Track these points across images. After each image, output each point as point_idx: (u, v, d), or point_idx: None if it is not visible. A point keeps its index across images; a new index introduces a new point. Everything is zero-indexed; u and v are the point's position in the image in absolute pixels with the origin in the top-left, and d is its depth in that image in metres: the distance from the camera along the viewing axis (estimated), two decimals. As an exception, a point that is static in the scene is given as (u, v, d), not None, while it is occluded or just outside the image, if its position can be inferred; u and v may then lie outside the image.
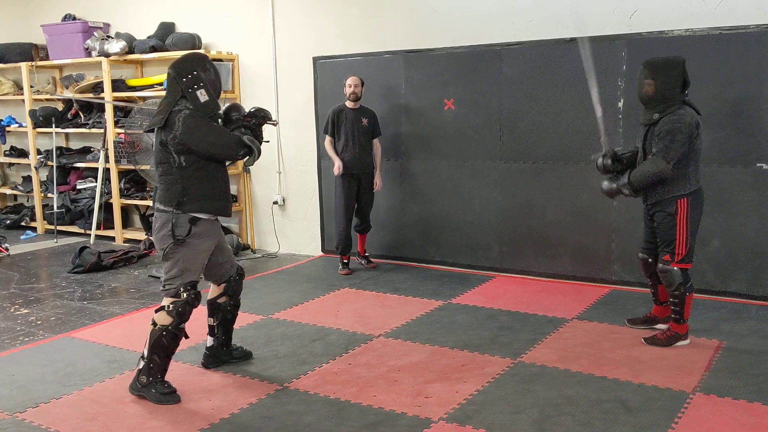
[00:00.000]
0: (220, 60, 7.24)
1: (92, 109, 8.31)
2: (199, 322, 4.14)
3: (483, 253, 6.19)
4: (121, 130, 7.64)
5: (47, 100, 8.57)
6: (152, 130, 3.75)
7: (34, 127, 8.46)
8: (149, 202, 7.72)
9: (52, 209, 8.25)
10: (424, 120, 6.28)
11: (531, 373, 3.94)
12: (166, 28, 7.54)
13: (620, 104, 5.39)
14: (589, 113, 5.52)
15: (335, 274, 6.24)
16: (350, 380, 3.91)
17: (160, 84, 7.50)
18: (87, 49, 7.83)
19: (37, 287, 6.17)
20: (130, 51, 7.61)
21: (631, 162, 4.28)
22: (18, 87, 8.83)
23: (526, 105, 5.80)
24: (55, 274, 6.60)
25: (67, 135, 8.82)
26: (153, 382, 3.70)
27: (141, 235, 7.72)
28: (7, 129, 9.01)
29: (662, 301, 4.57)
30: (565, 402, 3.57)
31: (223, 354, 4.16)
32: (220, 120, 3.89)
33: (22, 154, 8.99)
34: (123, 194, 7.92)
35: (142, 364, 3.72)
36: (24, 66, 8.41)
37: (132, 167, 7.11)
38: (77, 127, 8.25)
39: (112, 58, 7.61)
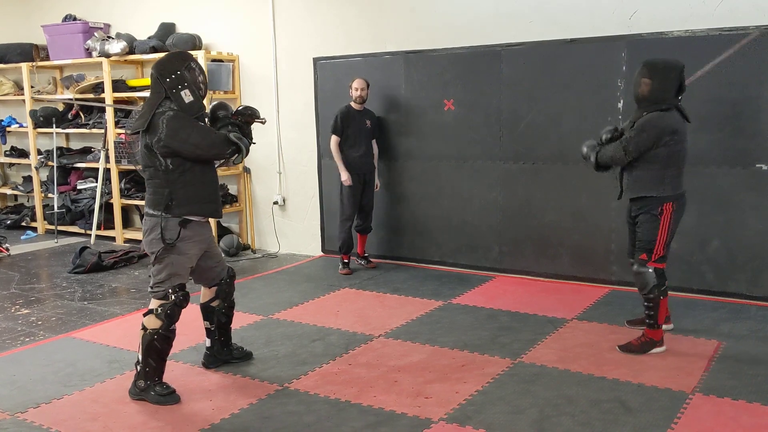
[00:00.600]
0: (221, 60, 7.24)
1: (93, 110, 8.31)
2: (199, 322, 4.15)
3: (483, 254, 6.20)
4: (122, 131, 7.66)
5: (48, 101, 8.57)
6: (137, 134, 3.69)
7: (34, 128, 8.47)
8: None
9: (53, 209, 8.25)
10: (424, 120, 6.29)
11: (531, 374, 3.95)
12: (167, 29, 7.54)
13: (620, 105, 5.40)
14: (589, 114, 5.54)
15: (335, 274, 6.24)
16: (350, 380, 3.91)
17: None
18: (87, 49, 7.84)
19: (38, 287, 6.18)
20: (131, 51, 7.62)
21: (615, 138, 4.28)
22: (18, 87, 8.84)
23: (526, 105, 5.80)
24: (56, 274, 6.61)
25: (67, 135, 8.83)
26: (151, 385, 3.69)
27: (141, 236, 7.71)
28: (8, 129, 9.02)
29: None
30: (565, 402, 3.57)
31: (223, 354, 4.16)
32: (206, 120, 3.84)
33: (23, 154, 9.00)
34: (123, 194, 7.92)
35: (138, 369, 3.71)
36: (24, 66, 8.42)
37: (132, 167, 7.12)
38: (78, 128, 8.25)
39: (112, 58, 7.61)
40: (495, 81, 5.90)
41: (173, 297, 3.65)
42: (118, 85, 7.76)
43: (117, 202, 7.91)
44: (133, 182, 8.01)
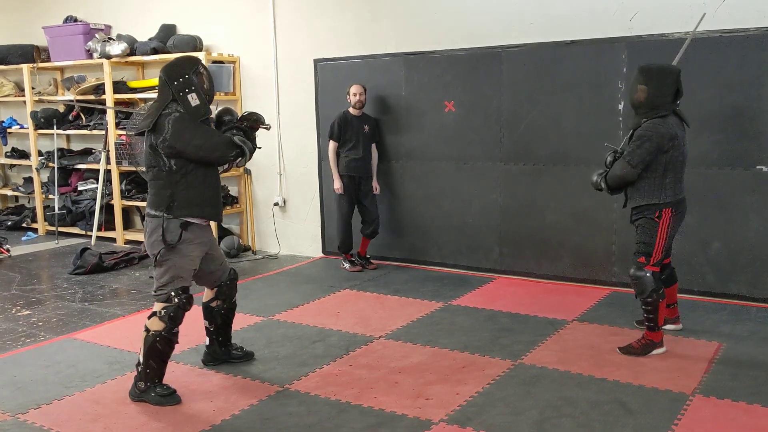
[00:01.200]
0: (222, 62, 7.25)
1: (93, 111, 8.32)
2: (200, 324, 4.15)
3: (483, 255, 6.20)
4: (122, 132, 7.66)
5: (51, 102, 8.58)
6: (142, 134, 3.70)
7: (35, 129, 8.47)
8: (150, 204, 7.72)
9: (53, 210, 8.26)
10: (424, 122, 6.29)
11: (531, 375, 3.95)
12: (168, 30, 7.55)
13: (620, 107, 5.40)
14: (589, 115, 5.55)
15: (336, 276, 6.24)
16: (351, 382, 3.92)
17: (162, 86, 7.51)
18: (88, 50, 7.85)
19: (39, 288, 6.18)
20: (132, 53, 7.62)
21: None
22: (19, 88, 8.85)
23: (527, 107, 5.81)
24: (57, 275, 6.61)
25: (68, 136, 8.83)
26: (151, 387, 3.69)
27: (142, 237, 7.69)
28: (9, 130, 9.03)
29: (668, 303, 4.56)
30: (566, 404, 3.57)
31: (221, 354, 4.17)
32: (212, 124, 3.86)
33: (24, 155, 9.01)
34: (124, 196, 7.93)
35: (138, 370, 3.71)
36: (25, 68, 8.42)
37: (133, 169, 7.12)
38: (78, 129, 8.26)
39: (113, 59, 7.62)
40: (495, 82, 5.90)
41: (176, 300, 3.65)
42: (119, 86, 7.77)
43: (118, 203, 7.91)
44: (133, 183, 8.01)
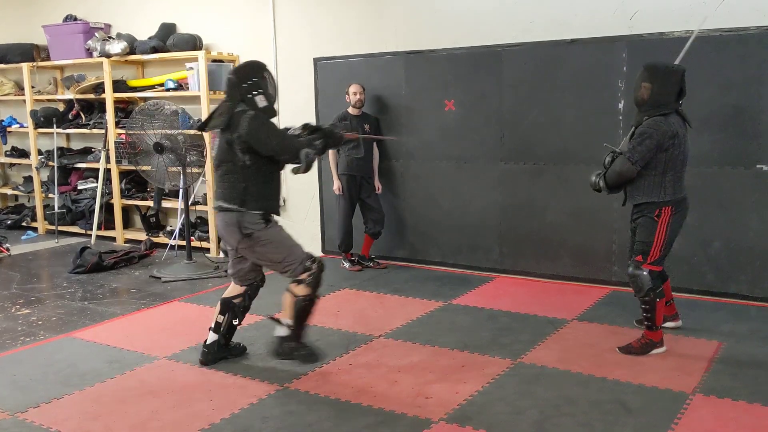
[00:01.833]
0: (221, 61, 7.25)
1: (93, 110, 8.32)
2: (199, 323, 4.15)
3: (483, 254, 6.20)
4: (122, 131, 7.66)
5: (48, 100, 8.59)
6: (203, 129, 4.04)
7: (35, 128, 8.47)
8: (150, 203, 7.73)
9: (53, 210, 8.25)
10: (424, 121, 6.29)
11: (531, 374, 3.95)
12: (167, 29, 7.54)
13: (620, 105, 5.40)
14: (590, 114, 5.55)
15: (336, 275, 6.24)
16: (350, 381, 3.91)
17: (161, 84, 7.52)
18: (88, 49, 7.84)
19: (38, 287, 6.18)
20: (132, 52, 7.62)
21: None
22: (19, 87, 8.84)
23: (527, 106, 5.80)
24: (56, 274, 6.61)
25: (68, 135, 8.82)
26: (299, 346, 4.06)
27: (142, 236, 7.73)
28: (9, 129, 9.02)
29: (665, 300, 4.58)
30: (565, 403, 3.57)
31: (222, 352, 4.20)
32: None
33: (23, 154, 9.00)
34: (124, 195, 7.93)
35: (283, 331, 4.04)
36: (25, 66, 8.42)
37: (133, 168, 7.12)
38: (78, 128, 8.25)
39: (113, 58, 7.61)
40: (496, 81, 5.90)
41: (314, 267, 3.97)
42: (119, 85, 7.76)
43: (117, 202, 7.91)
44: (133, 182, 8.01)
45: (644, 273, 4.13)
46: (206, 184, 7.17)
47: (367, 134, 6.26)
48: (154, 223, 7.93)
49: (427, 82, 6.23)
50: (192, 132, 6.66)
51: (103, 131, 7.87)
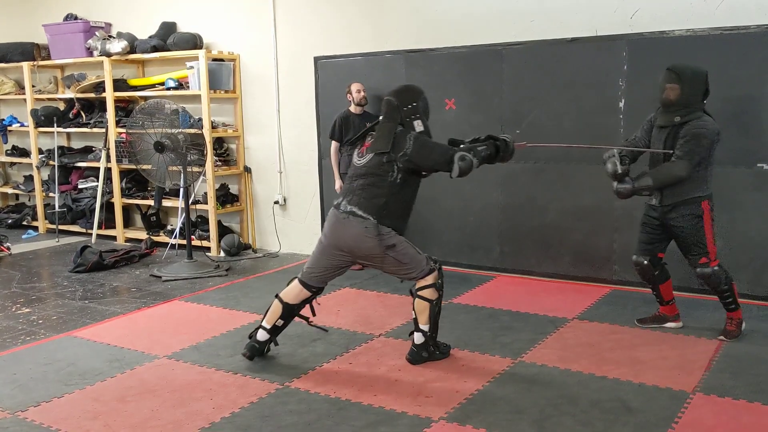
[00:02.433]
0: (222, 60, 7.25)
1: (94, 109, 8.32)
2: (199, 323, 4.15)
3: (484, 253, 6.19)
4: (123, 130, 7.66)
5: (49, 99, 8.59)
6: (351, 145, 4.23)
7: (35, 127, 8.47)
8: (150, 202, 7.73)
9: (54, 208, 8.26)
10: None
11: (531, 373, 3.95)
12: (168, 28, 7.54)
13: (621, 104, 5.39)
14: (590, 113, 5.54)
15: (336, 274, 6.23)
16: (351, 380, 3.91)
17: (162, 84, 7.52)
18: (89, 48, 7.85)
19: (39, 286, 6.18)
20: (132, 51, 7.62)
21: (633, 159, 4.40)
22: (20, 86, 8.85)
23: (528, 105, 5.80)
24: (57, 273, 6.61)
25: (68, 134, 8.82)
26: (436, 348, 4.15)
27: (142, 235, 7.73)
28: (9, 128, 9.03)
29: (667, 300, 4.59)
30: (566, 402, 3.57)
31: (265, 351, 4.26)
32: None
33: (24, 153, 9.00)
34: (124, 194, 7.93)
35: (417, 337, 4.08)
36: (26, 66, 8.42)
37: (133, 167, 7.12)
38: (79, 127, 8.25)
39: (113, 57, 7.62)
40: (496, 80, 5.89)
41: (436, 267, 4.09)
42: (120, 84, 7.76)
43: (118, 201, 7.91)
44: (134, 181, 8.01)
45: (715, 269, 4.30)
46: (206, 183, 7.17)
47: None
48: (155, 222, 7.94)
49: (428, 81, 6.20)
50: (192, 131, 6.66)
51: (103, 130, 7.87)
